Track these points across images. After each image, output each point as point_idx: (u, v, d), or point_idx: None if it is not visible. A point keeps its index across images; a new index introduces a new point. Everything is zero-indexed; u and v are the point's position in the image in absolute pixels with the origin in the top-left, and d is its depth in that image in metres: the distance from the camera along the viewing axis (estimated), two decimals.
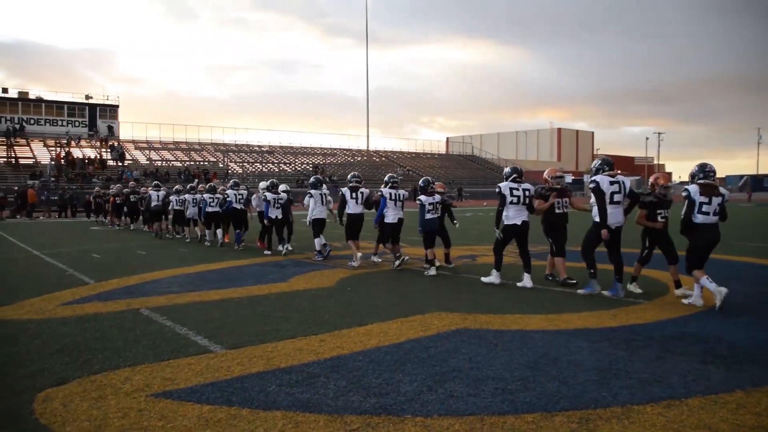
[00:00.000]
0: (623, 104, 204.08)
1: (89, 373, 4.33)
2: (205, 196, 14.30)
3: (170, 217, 16.61)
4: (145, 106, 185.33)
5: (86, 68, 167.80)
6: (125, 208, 20.21)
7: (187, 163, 51.46)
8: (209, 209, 14.12)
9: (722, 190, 6.64)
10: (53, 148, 46.39)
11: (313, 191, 11.12)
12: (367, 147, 65.61)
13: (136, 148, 53.60)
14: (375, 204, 10.34)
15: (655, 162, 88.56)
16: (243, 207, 13.70)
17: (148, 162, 50.22)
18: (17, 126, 50.12)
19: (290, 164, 58.40)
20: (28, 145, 48.26)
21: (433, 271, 9.14)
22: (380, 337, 5.32)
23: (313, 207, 11.07)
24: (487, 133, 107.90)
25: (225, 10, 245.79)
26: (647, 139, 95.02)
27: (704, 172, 6.66)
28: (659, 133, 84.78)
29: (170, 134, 58.54)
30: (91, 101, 54.64)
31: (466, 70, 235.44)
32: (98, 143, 51.00)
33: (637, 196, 7.41)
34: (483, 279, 8.37)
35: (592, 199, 7.23)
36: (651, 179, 7.68)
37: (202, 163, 52.40)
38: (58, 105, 53.50)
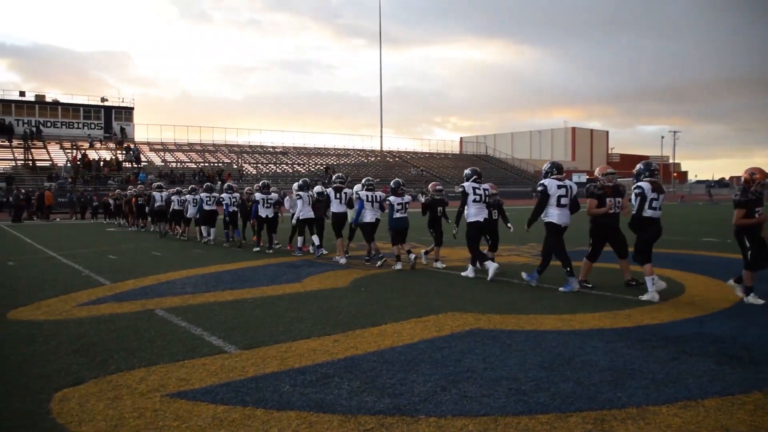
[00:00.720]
0: (638, 103, 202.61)
1: (105, 374, 4.37)
2: (202, 195, 15.12)
3: (168, 216, 17.56)
4: (159, 107, 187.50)
5: (101, 71, 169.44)
6: (146, 209, 20.66)
7: (202, 164, 51.79)
8: (206, 207, 14.97)
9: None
10: (69, 151, 46.95)
11: (301, 193, 11.99)
12: (381, 147, 65.51)
13: (150, 150, 54.06)
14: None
15: (671, 161, 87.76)
16: (236, 210, 14.45)
17: (162, 164, 50.65)
18: (34, 129, 50.83)
19: (304, 165, 58.53)
20: (45, 147, 48.85)
21: (399, 266, 9.74)
22: (394, 337, 5.33)
23: (301, 207, 11.94)
24: (500, 133, 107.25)
25: (238, 12, 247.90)
26: (662, 137, 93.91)
27: (650, 170, 7.25)
28: (675, 132, 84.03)
29: (185, 136, 59.11)
30: (106, 104, 55.31)
31: (480, 70, 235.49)
32: (114, 145, 51.56)
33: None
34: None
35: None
36: (745, 174, 6.72)
37: (216, 164, 52.75)
38: (74, 108, 54.21)
